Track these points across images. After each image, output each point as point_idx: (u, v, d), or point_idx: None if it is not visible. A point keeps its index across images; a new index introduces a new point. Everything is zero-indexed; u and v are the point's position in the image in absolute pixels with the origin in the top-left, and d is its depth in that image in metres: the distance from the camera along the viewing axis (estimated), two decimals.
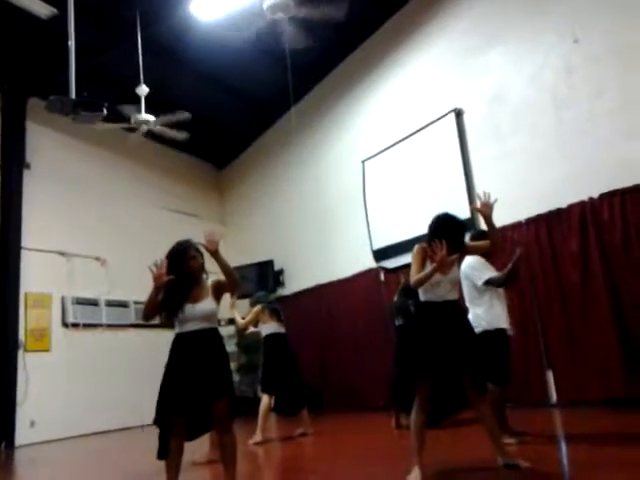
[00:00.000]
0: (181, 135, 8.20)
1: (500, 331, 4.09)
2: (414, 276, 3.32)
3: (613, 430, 4.49)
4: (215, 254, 3.19)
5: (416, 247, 3.46)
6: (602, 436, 4.21)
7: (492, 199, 3.43)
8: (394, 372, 6.06)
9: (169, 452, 3.11)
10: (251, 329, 6.72)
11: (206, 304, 3.27)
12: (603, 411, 5.49)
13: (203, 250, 3.29)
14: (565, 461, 3.63)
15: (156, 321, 3.43)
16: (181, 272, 3.26)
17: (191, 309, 3.22)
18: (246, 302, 6.77)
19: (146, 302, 3.26)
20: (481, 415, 3.27)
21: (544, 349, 6.35)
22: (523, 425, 4.23)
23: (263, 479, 4.20)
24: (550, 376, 6.31)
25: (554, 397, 6.26)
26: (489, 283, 4.11)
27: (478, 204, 3.43)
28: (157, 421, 3.14)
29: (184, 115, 7.60)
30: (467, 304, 4.22)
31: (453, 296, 3.40)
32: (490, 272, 4.15)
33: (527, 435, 4.14)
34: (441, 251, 3.16)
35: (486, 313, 4.08)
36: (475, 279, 4.15)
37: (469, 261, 4.13)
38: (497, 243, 3.58)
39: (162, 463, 3.13)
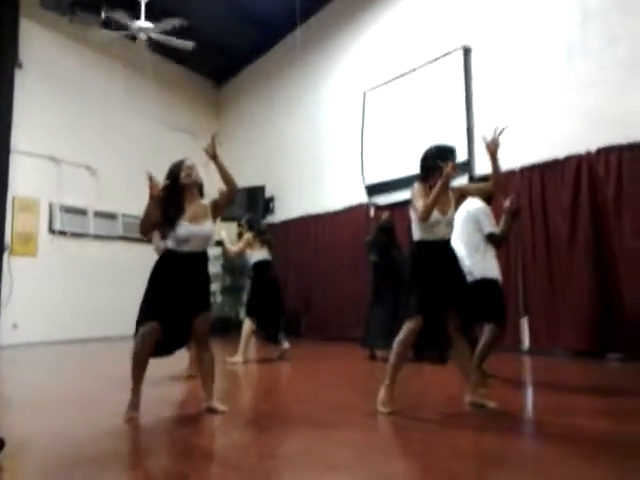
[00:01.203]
0: (187, 44, 7.92)
1: (493, 282, 4.13)
2: (422, 207, 3.23)
3: (578, 380, 4.69)
4: (214, 159, 3.32)
5: (416, 185, 3.43)
6: (567, 384, 4.40)
7: (499, 136, 3.32)
8: (369, 308, 6.19)
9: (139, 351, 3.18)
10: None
11: (207, 226, 3.34)
12: (572, 361, 5.70)
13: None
14: (528, 405, 3.79)
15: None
16: (176, 187, 3.29)
17: (193, 229, 3.26)
18: (233, 225, 6.77)
19: (143, 216, 3.28)
20: (458, 353, 3.37)
21: (522, 297, 6.48)
22: (493, 369, 4.37)
23: (238, 395, 4.35)
24: (525, 323, 6.48)
25: (527, 344, 6.45)
26: (491, 237, 4.11)
27: (488, 139, 3.32)
28: (138, 323, 3.21)
29: (181, 22, 7.34)
30: (462, 246, 4.11)
31: (448, 236, 3.41)
32: (494, 226, 4.14)
33: (496, 378, 4.30)
34: (447, 167, 3.15)
35: (482, 261, 4.09)
36: (484, 225, 4.09)
37: (480, 205, 4.13)
38: (500, 185, 3.50)
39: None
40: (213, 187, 3.57)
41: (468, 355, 3.41)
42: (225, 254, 8.38)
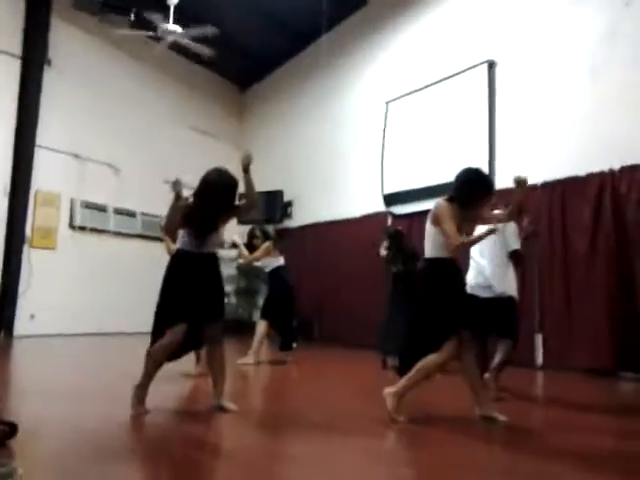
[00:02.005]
0: (206, 51, 8.02)
1: (511, 299, 4.15)
2: (455, 238, 3.15)
3: (590, 397, 4.64)
4: (247, 171, 3.39)
5: (443, 203, 3.31)
6: (579, 402, 4.34)
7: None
8: (387, 316, 6.16)
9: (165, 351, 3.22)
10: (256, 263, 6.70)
11: (221, 232, 3.44)
12: (586, 378, 5.63)
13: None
14: (538, 420, 3.76)
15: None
16: (226, 204, 3.36)
17: (214, 236, 3.36)
18: (246, 228, 6.74)
19: (168, 217, 3.41)
20: (465, 365, 3.32)
21: (538, 313, 6.43)
22: (506, 384, 4.34)
23: (249, 396, 4.37)
24: (539, 339, 6.42)
25: (540, 360, 6.39)
26: (514, 254, 4.13)
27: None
28: (161, 322, 3.24)
29: (212, 30, 7.41)
30: (486, 261, 4.14)
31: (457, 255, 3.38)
32: (519, 244, 4.20)
33: (509, 392, 4.26)
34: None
35: (504, 278, 4.12)
36: (511, 242, 4.14)
37: (512, 225, 4.16)
38: (519, 224, 3.76)
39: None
40: None
41: (474, 368, 3.36)
42: (242, 264, 8.34)
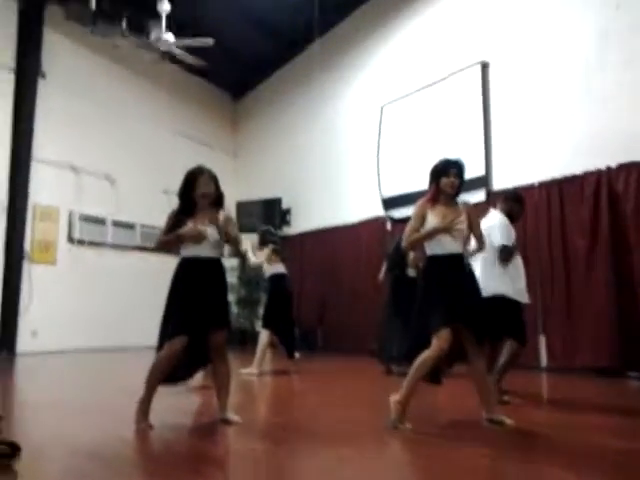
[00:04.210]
0: (198, 62, 8.01)
1: (504, 298, 4.05)
2: (405, 236, 3.33)
3: (596, 398, 4.62)
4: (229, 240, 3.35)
5: (417, 203, 3.40)
6: (585, 402, 4.34)
7: None
8: (386, 322, 6.15)
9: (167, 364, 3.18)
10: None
11: (215, 231, 3.27)
12: (591, 379, 5.60)
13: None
14: (544, 422, 3.73)
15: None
16: (190, 197, 3.31)
17: (212, 233, 3.24)
18: (249, 236, 6.77)
19: (160, 240, 3.34)
20: (475, 369, 3.28)
21: (541, 314, 6.41)
22: (512, 386, 4.31)
23: (252, 407, 4.34)
24: (543, 341, 6.40)
25: (545, 362, 6.37)
26: (502, 250, 4.02)
27: None
28: (165, 334, 3.19)
29: (207, 41, 7.40)
30: (478, 261, 3.98)
31: (457, 250, 3.31)
32: (508, 239, 4.06)
33: (514, 395, 4.23)
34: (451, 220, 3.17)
35: (494, 277, 4.01)
36: (496, 238, 4.01)
37: (497, 218, 4.14)
38: None
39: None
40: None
41: (482, 372, 3.32)
42: (242, 265, 8.36)
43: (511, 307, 4.07)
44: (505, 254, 4.04)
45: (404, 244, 3.42)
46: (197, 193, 3.30)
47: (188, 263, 3.30)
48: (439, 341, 3.12)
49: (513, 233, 4.13)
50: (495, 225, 4.07)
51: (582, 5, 6.55)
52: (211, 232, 3.25)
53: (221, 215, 3.35)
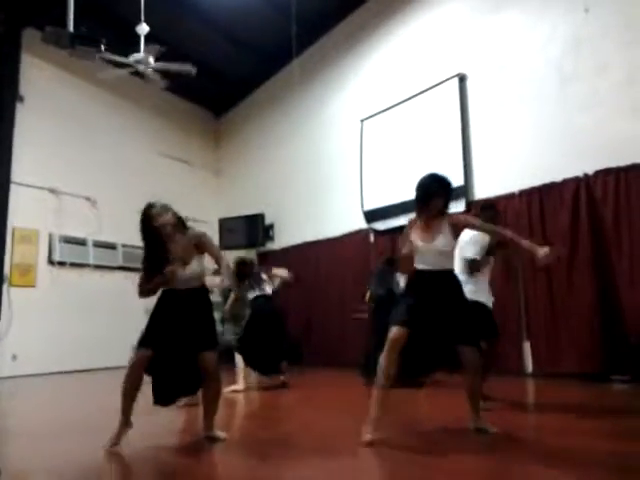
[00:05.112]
0: (189, 70, 7.90)
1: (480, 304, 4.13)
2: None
3: (582, 402, 4.63)
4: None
5: (409, 222, 3.51)
6: (570, 407, 4.33)
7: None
8: (371, 339, 6.11)
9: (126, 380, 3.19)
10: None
11: (194, 266, 3.31)
12: (576, 384, 5.62)
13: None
14: (530, 428, 3.73)
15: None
16: (153, 235, 3.30)
17: (181, 273, 3.25)
18: (234, 253, 6.75)
19: (140, 284, 3.35)
20: (467, 380, 3.28)
21: (524, 320, 6.45)
22: (496, 393, 4.31)
23: (238, 423, 4.30)
24: (527, 347, 6.43)
25: (530, 367, 6.39)
26: (470, 263, 4.12)
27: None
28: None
29: (188, 68, 7.37)
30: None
31: (439, 266, 3.32)
32: (475, 253, 4.15)
33: (496, 401, 4.22)
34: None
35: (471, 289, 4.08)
36: (465, 252, 4.11)
37: (469, 234, 4.08)
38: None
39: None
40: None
41: (472, 381, 3.30)
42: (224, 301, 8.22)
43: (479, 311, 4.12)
44: (471, 267, 4.15)
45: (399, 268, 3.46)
46: (156, 226, 3.29)
47: (166, 294, 3.35)
48: (389, 335, 3.16)
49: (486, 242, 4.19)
50: (465, 239, 4.13)
51: (552, 13, 6.67)
52: (182, 273, 3.25)
53: (191, 237, 3.37)
